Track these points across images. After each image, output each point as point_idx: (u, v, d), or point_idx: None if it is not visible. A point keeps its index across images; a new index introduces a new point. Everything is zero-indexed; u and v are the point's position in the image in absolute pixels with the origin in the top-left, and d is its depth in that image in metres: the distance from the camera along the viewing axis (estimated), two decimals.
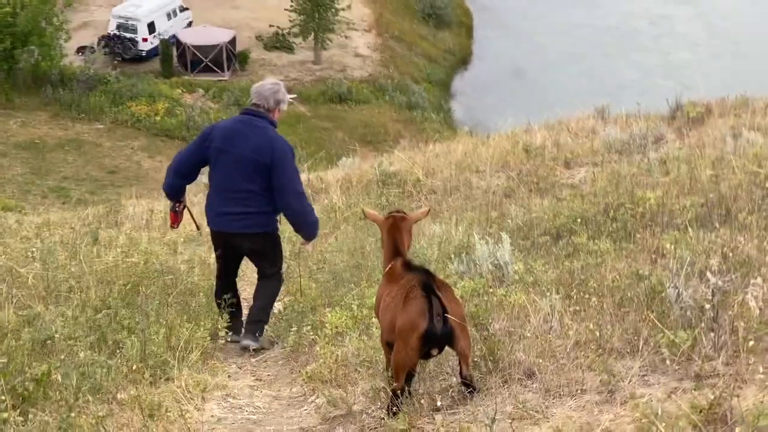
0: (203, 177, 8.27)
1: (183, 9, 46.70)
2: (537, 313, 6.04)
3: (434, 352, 5.14)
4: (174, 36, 44.22)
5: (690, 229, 7.71)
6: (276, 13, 46.01)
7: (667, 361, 4.81)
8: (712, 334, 4.82)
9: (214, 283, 8.17)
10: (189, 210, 8.29)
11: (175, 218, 8.20)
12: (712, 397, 4.05)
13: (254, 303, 8.02)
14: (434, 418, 5.00)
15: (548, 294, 6.22)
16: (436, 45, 51.35)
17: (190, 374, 6.53)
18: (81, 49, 43.33)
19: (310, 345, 7.20)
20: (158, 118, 38.12)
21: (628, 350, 5.18)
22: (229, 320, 7.59)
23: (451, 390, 5.35)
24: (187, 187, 8.16)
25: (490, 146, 15.30)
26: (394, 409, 5.14)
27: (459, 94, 47.51)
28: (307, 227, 7.80)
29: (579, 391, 4.85)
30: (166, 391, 6.11)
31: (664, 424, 3.98)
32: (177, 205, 8.15)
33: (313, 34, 44.76)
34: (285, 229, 8.11)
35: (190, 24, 46.62)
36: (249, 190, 7.54)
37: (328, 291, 8.39)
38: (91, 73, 39.91)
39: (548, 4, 54.51)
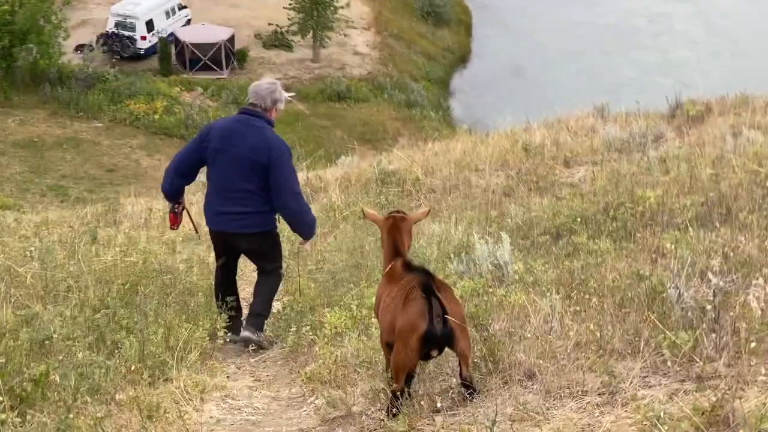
0: (201, 176, 8.26)
1: (182, 7, 46.64)
2: (537, 313, 6.01)
3: (434, 353, 5.11)
4: (173, 34, 44.18)
5: (690, 229, 7.69)
6: (275, 11, 45.99)
7: (669, 363, 4.79)
8: (713, 335, 4.79)
9: (213, 284, 8.16)
10: (188, 212, 8.28)
11: (175, 219, 8.19)
12: (714, 399, 4.02)
13: (255, 298, 8.04)
14: (434, 420, 4.97)
15: (548, 294, 6.19)
16: (435, 43, 51.32)
17: (189, 375, 6.51)
18: (79, 48, 43.30)
19: (309, 345, 7.17)
20: (157, 117, 38.09)
21: (629, 351, 5.15)
22: (228, 320, 7.60)
23: (451, 391, 5.32)
24: (186, 187, 8.15)
25: (490, 145, 15.28)
26: (394, 410, 5.11)
27: (458, 92, 47.48)
28: (304, 226, 7.81)
29: (580, 393, 4.82)
30: (164, 392, 6.08)
31: (666, 427, 3.96)
32: (176, 206, 8.14)
33: (311, 32, 44.74)
34: (284, 228, 8.10)
35: (188, 22, 46.57)
36: (247, 190, 7.55)
37: (327, 291, 8.36)
38: (90, 72, 39.89)
39: (547, 1, 54.48)
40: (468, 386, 5.13)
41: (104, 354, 6.66)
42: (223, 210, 7.67)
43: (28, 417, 5.44)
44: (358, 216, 11.93)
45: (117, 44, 43.54)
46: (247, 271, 9.40)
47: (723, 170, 9.65)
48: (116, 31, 43.63)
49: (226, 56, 43.46)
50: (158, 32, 43.90)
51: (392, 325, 5.20)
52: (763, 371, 4.27)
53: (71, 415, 5.31)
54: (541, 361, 5.23)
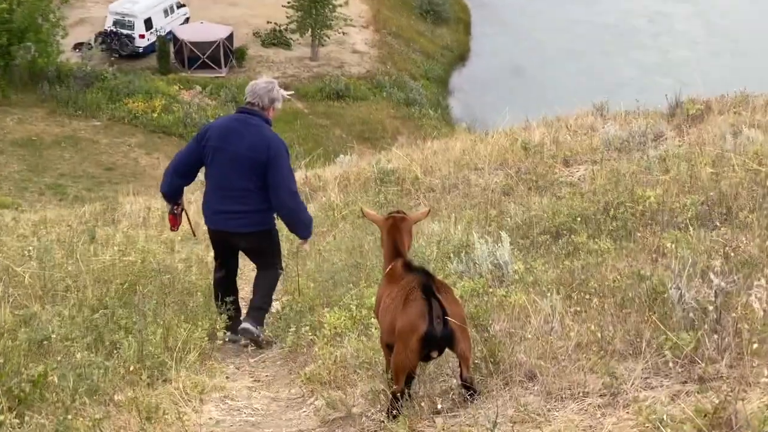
0: (200, 175, 8.25)
1: (180, 5, 46.62)
2: (538, 313, 5.98)
3: (434, 354, 5.09)
4: (171, 32, 44.16)
5: (691, 228, 7.66)
6: (273, 9, 45.97)
7: (670, 364, 4.75)
8: (715, 336, 4.76)
9: (212, 284, 8.14)
10: (186, 214, 8.28)
11: (174, 221, 8.20)
12: (717, 401, 3.99)
13: (254, 293, 8.07)
14: (435, 422, 4.95)
15: (549, 294, 6.17)
16: (434, 41, 51.33)
17: (188, 375, 6.48)
18: (78, 46, 43.28)
19: (308, 345, 7.15)
20: (155, 115, 38.08)
21: (631, 352, 5.12)
22: (227, 320, 7.60)
23: (451, 392, 5.30)
24: (185, 188, 8.15)
25: (489, 144, 15.23)
26: (394, 412, 5.09)
27: (457, 90, 47.48)
28: (301, 225, 7.83)
29: (581, 394, 4.80)
30: (163, 393, 6.05)
31: (668, 429, 3.93)
32: (175, 207, 8.15)
33: (310, 30, 44.74)
34: (283, 227, 8.08)
35: (187, 20, 46.54)
36: (245, 188, 7.57)
37: (327, 291, 8.33)
38: (88, 70, 39.87)
39: (546, 0, 54.47)
40: (468, 387, 5.11)
41: (103, 354, 6.63)
42: (221, 209, 7.69)
43: (27, 418, 5.41)
44: (357, 215, 11.91)
45: (115, 42, 43.52)
46: (246, 271, 9.37)
47: (723, 169, 9.61)
48: (115, 30, 43.60)
49: (224, 54, 43.43)
50: (157, 30, 43.88)
51: (392, 326, 5.18)
52: (766, 373, 4.23)
53: (69, 417, 5.28)
54: (542, 362, 5.20)
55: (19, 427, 5.32)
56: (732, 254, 6.38)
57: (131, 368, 6.26)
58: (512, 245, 7.94)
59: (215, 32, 43.95)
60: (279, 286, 9.30)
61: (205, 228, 8.30)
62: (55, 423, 5.25)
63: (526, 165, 13.15)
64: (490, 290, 6.74)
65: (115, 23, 43.59)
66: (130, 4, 43.84)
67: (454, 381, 5.37)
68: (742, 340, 4.65)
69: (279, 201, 7.58)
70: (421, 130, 29.49)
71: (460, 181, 13.24)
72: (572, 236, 8.47)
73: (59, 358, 6.36)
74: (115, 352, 6.74)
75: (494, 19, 53.51)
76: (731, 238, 6.99)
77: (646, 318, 5.37)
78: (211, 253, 8.54)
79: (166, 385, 6.28)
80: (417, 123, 39.24)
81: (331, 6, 44.58)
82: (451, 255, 8.29)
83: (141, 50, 43.73)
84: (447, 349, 5.07)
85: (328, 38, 45.51)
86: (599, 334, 5.32)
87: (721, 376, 4.52)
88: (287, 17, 44.88)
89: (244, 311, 8.03)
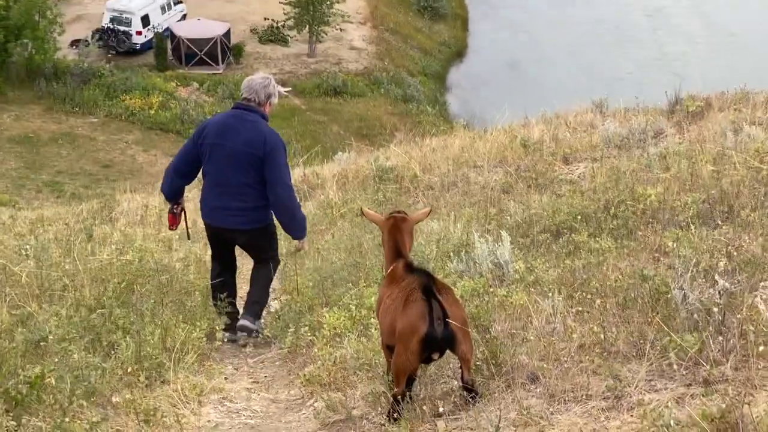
0: (199, 174, 8.21)
1: (177, 2, 46.52)
2: (539, 314, 5.94)
3: (435, 356, 5.04)
4: (168, 29, 44.06)
5: (692, 227, 7.61)
6: (271, 5, 45.89)
7: (674, 366, 4.70)
8: (720, 338, 4.71)
9: (210, 284, 8.10)
10: (185, 214, 8.26)
11: (174, 220, 8.20)
12: (723, 405, 3.94)
13: (251, 287, 8.06)
14: (436, 425, 4.90)
15: (550, 295, 6.12)
16: (432, 38, 51.24)
17: (186, 377, 6.42)
18: (75, 43, 43.17)
19: (307, 346, 7.09)
20: (152, 112, 38.00)
21: (634, 354, 5.08)
22: (226, 320, 7.57)
23: (452, 395, 5.25)
24: (185, 187, 8.14)
25: (488, 141, 15.17)
26: (395, 414, 5.04)
27: (454, 87, 47.38)
28: (296, 223, 7.82)
29: (584, 397, 4.75)
30: (161, 395, 6.00)
31: None
32: (175, 207, 8.16)
33: (307, 26, 44.65)
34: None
35: (184, 17, 46.44)
36: (243, 184, 7.58)
37: (326, 290, 8.28)
38: (85, 67, 39.76)
39: None
40: (470, 390, 5.06)
41: (100, 355, 6.57)
42: (219, 205, 7.70)
43: (23, 420, 5.35)
44: (355, 213, 11.85)
45: (112, 39, 43.42)
46: (244, 270, 9.32)
47: (724, 167, 9.55)
48: (112, 26, 43.48)
49: (222, 51, 43.33)
50: (154, 27, 43.77)
51: (392, 327, 5.13)
52: None
53: (67, 419, 5.23)
54: (544, 364, 5.15)
55: (16, 430, 5.26)
56: (735, 253, 6.33)
57: (129, 370, 6.21)
58: (512, 244, 7.88)
59: (212, 29, 43.85)
60: (277, 285, 9.26)
61: (202, 226, 8.26)
62: (52, 425, 5.20)
63: (525, 162, 13.09)
64: (491, 290, 6.68)
65: (112, 20, 43.47)
66: (127, 1, 43.72)
67: (456, 383, 5.31)
68: (747, 342, 4.60)
69: (275, 197, 7.58)
70: (419, 127, 29.38)
71: (459, 179, 13.18)
72: (573, 235, 8.41)
73: (56, 360, 6.30)
74: (112, 352, 6.68)
75: (492, 15, 53.42)
76: (734, 237, 6.93)
77: (649, 319, 5.32)
78: (209, 252, 8.49)
79: (164, 387, 6.22)
80: (415, 120, 39.14)
81: (328, 2, 44.49)
82: (451, 254, 8.23)
83: (138, 47, 43.62)
84: (448, 351, 5.02)
85: (326, 35, 45.41)
86: (602, 336, 5.28)
87: (727, 379, 4.47)
88: (284, 14, 44.80)
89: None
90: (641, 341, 5.11)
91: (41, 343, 6.70)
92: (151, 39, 43.55)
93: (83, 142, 36.20)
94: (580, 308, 5.93)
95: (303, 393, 6.33)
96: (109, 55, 43.14)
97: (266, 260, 8.03)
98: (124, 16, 43.26)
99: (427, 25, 52.43)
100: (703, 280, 5.50)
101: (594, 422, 4.46)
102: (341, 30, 46.50)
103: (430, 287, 5.01)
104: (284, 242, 8.97)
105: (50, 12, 39.92)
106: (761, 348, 4.43)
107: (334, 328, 6.80)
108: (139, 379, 6.07)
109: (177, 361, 6.62)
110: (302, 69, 44.52)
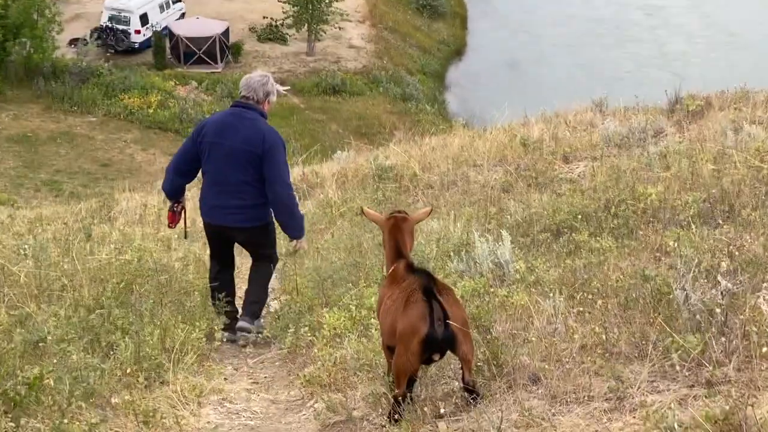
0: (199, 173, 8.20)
1: (176, 1, 46.46)
2: (540, 314, 5.91)
3: (436, 357, 5.02)
4: (167, 28, 44.01)
5: (693, 226, 7.58)
6: (269, 4, 45.83)
7: (677, 367, 4.68)
8: (723, 339, 4.68)
9: (209, 283, 8.08)
10: (185, 213, 8.25)
11: (173, 218, 8.22)
12: (726, 406, 3.92)
13: (250, 286, 8.06)
14: (437, 426, 4.88)
15: (551, 295, 6.09)
16: (431, 36, 51.18)
17: (186, 377, 6.39)
18: (73, 42, 43.11)
19: (307, 346, 7.06)
20: (151, 111, 37.93)
21: (636, 354, 5.05)
22: (225, 320, 7.55)
23: (454, 396, 5.22)
24: (186, 186, 8.15)
25: (487, 140, 15.14)
26: (396, 416, 5.02)
27: (453, 85, 47.33)
28: (295, 222, 7.82)
29: (586, 398, 4.72)
30: (161, 396, 5.97)
31: None
32: (176, 205, 8.18)
33: (306, 25, 44.60)
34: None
35: (183, 15, 46.40)
36: (242, 182, 7.58)
37: (326, 290, 8.25)
38: (84, 66, 39.68)
39: None
40: (471, 391, 5.03)
41: (99, 356, 6.54)
42: (218, 203, 7.71)
43: (22, 422, 5.32)
44: (355, 212, 11.82)
45: (111, 38, 43.35)
46: (243, 270, 9.29)
47: (725, 166, 9.53)
48: (110, 25, 43.42)
49: (220, 50, 43.28)
50: (152, 26, 43.71)
51: (393, 328, 5.11)
52: None
53: (66, 420, 5.20)
54: (545, 365, 5.13)
55: None
56: (737, 253, 6.30)
57: (128, 370, 6.18)
58: (513, 243, 7.85)
59: (211, 27, 43.81)
60: (277, 284, 9.23)
61: (200, 226, 8.24)
62: (51, 427, 5.17)
63: (525, 161, 13.06)
64: (492, 290, 6.65)
65: (111, 19, 43.41)
66: None
67: (456, 384, 5.28)
68: (750, 343, 4.57)
69: (274, 195, 7.58)
70: (418, 126, 29.33)
71: (458, 178, 13.16)
72: (573, 234, 8.38)
73: (55, 360, 6.26)
74: (111, 353, 6.65)
75: (491, 13, 53.38)
76: (735, 237, 6.91)
77: (651, 320, 5.29)
78: (208, 252, 8.46)
79: (163, 388, 6.19)
80: (414, 118, 39.09)
81: (327, 1, 44.45)
82: (451, 254, 8.20)
83: (137, 46, 43.57)
84: (449, 352, 4.99)
85: (325, 33, 45.36)
86: (604, 336, 5.25)
87: (729, 380, 4.45)
88: (283, 12, 44.76)
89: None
90: (643, 342, 5.08)
91: (40, 344, 6.66)
92: (150, 38, 43.50)
93: (82, 141, 36.15)
94: (581, 308, 5.90)
95: (303, 394, 6.30)
96: (108, 54, 43.06)
97: (265, 258, 8.03)
98: (122, 14, 43.19)
99: (426, 23, 52.38)
100: (705, 280, 5.48)
101: (596, 424, 4.44)
102: (340, 28, 46.45)
103: (430, 288, 4.98)
104: (283, 242, 8.94)
105: (49, 11, 39.87)
106: (764, 349, 4.40)
107: (334, 329, 6.77)
108: (138, 380, 6.04)
109: (176, 361, 6.59)
110: (301, 67, 44.48)
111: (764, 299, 4.70)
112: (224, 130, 7.57)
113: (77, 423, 5.26)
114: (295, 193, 7.90)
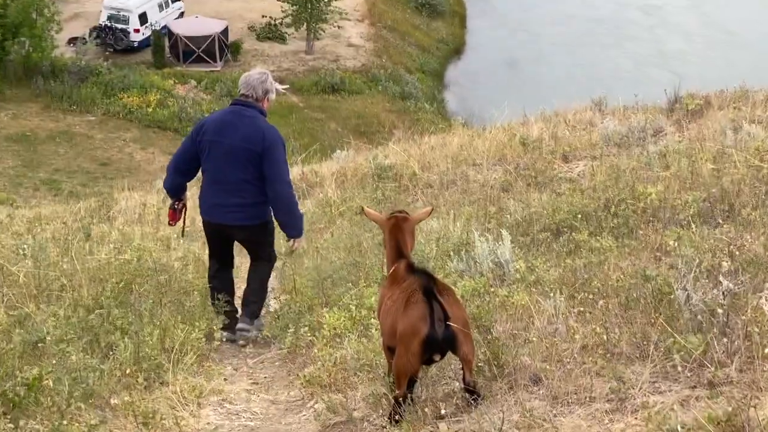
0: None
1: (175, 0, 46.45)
2: (541, 314, 5.90)
3: (436, 357, 4.99)
4: (166, 27, 43.98)
5: (693, 226, 7.57)
6: (268, 3, 45.81)
7: (679, 368, 4.66)
8: (724, 340, 4.66)
9: (208, 283, 8.06)
10: (185, 211, 8.25)
11: (174, 216, 8.25)
12: (728, 407, 3.90)
13: (248, 285, 8.06)
14: (438, 427, 4.86)
15: (552, 295, 6.07)
16: (430, 35, 51.16)
17: (185, 378, 6.37)
18: (72, 41, 43.08)
19: (307, 346, 7.04)
20: (150, 110, 37.91)
21: (637, 355, 5.03)
22: (224, 319, 7.54)
23: (455, 396, 5.20)
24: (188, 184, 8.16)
25: (487, 139, 15.12)
26: (397, 416, 4.99)
27: (452, 84, 47.32)
28: (294, 220, 7.81)
29: (587, 399, 4.70)
30: (160, 397, 5.95)
31: None
32: (177, 203, 8.19)
33: (305, 24, 44.57)
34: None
35: (182, 14, 46.37)
36: (241, 180, 7.57)
37: (325, 290, 8.23)
38: (83, 65, 39.65)
39: None
40: (472, 392, 5.01)
41: (98, 356, 6.52)
42: (218, 202, 7.71)
43: (21, 423, 5.30)
44: (355, 212, 11.81)
45: (110, 37, 43.33)
46: (242, 270, 9.28)
47: (724, 166, 9.51)
48: (109, 24, 43.41)
49: (219, 49, 43.26)
50: (151, 25, 43.70)
51: (393, 328, 5.09)
52: None
53: (65, 422, 5.18)
54: (546, 365, 5.11)
55: None
56: (737, 253, 6.28)
57: (127, 371, 6.15)
58: (513, 243, 7.83)
59: (210, 26, 43.79)
60: (276, 284, 9.21)
61: (200, 225, 8.23)
62: (50, 428, 5.15)
63: (524, 161, 13.05)
64: (492, 290, 6.63)
65: (110, 18, 43.39)
66: None
67: (457, 384, 5.27)
68: (752, 344, 4.56)
69: (274, 193, 7.57)
70: (418, 125, 29.33)
71: (458, 177, 13.14)
72: (573, 234, 8.37)
73: (54, 361, 6.24)
74: (111, 353, 6.62)
75: (490, 12, 53.35)
76: (735, 237, 6.89)
77: (652, 320, 5.27)
78: (207, 252, 8.45)
79: (163, 389, 6.17)
80: (413, 117, 39.08)
81: (326, 0, 44.45)
82: (451, 253, 8.18)
83: (136, 45, 43.55)
84: (449, 353, 4.97)
85: (324, 32, 45.34)
86: (605, 337, 5.23)
87: (731, 381, 4.43)
88: (282, 11, 44.76)
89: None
90: (645, 342, 5.06)
91: (39, 344, 6.64)
92: (149, 37, 43.49)
93: (81, 140, 36.11)
94: (582, 308, 5.88)
95: (303, 394, 6.28)
96: (107, 53, 43.05)
97: (264, 257, 8.03)
98: (121, 13, 43.18)
99: (425, 22, 52.36)
100: (706, 280, 5.47)
101: (598, 425, 4.42)
102: (339, 27, 46.44)
103: (431, 288, 4.96)
104: (283, 241, 8.93)
105: (48, 10, 39.85)
106: (766, 350, 4.39)
107: (334, 329, 6.75)
108: (137, 381, 6.01)
109: (176, 362, 6.56)
110: (300, 66, 44.46)
111: (766, 299, 4.69)
112: (224, 128, 7.56)
113: (76, 424, 5.23)
114: (294, 191, 7.88)
